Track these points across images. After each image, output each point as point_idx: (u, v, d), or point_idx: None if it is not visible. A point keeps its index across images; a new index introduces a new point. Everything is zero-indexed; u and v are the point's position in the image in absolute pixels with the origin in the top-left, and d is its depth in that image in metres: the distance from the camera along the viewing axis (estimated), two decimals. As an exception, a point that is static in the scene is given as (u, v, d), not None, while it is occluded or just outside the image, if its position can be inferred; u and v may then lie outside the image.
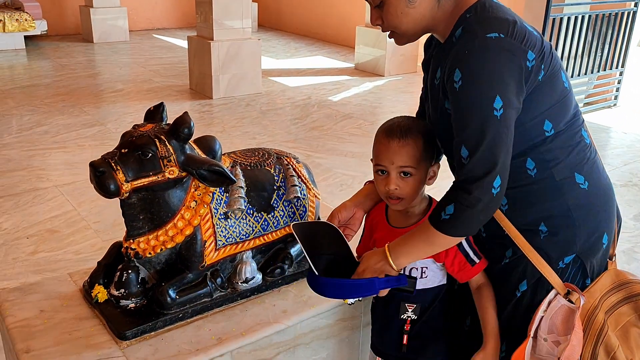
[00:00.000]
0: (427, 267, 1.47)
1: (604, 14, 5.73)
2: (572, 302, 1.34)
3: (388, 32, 1.40)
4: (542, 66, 1.26)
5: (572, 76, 5.77)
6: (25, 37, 8.68)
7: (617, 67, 6.19)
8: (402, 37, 1.38)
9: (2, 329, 1.61)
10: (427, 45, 1.52)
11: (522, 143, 1.30)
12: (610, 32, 5.87)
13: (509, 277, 1.41)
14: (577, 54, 5.71)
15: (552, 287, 1.36)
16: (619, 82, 6.30)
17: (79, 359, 1.41)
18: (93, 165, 1.41)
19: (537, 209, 1.34)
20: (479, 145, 1.20)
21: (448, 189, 1.29)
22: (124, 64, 7.96)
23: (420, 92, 1.61)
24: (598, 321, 1.37)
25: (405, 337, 1.51)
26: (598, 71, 6.03)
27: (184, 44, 7.72)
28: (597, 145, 1.45)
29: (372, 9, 1.36)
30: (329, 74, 7.70)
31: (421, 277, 1.47)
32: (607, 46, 5.95)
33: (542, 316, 1.34)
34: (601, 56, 5.97)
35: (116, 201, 1.48)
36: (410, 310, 1.49)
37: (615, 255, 1.47)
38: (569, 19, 5.42)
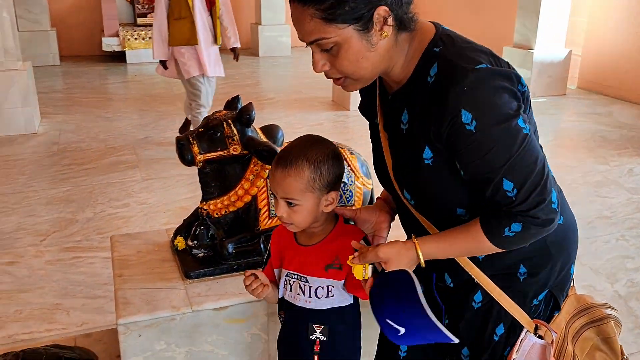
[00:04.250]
0: (333, 286, 1.43)
1: None
2: (541, 337, 1.33)
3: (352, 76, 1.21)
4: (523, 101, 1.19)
5: None
6: (203, 50, 9.92)
7: None
8: (356, 83, 1.24)
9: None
10: (364, 90, 1.39)
11: None
12: None
13: (485, 322, 1.37)
14: None
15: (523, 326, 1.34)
16: None
17: (153, 286, 1.83)
18: (177, 139, 1.84)
19: (517, 252, 1.26)
20: (527, 172, 1.13)
21: (494, 212, 1.18)
22: (280, 76, 8.76)
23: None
24: (569, 353, 1.38)
25: (315, 357, 1.47)
26: None
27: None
28: None
29: (317, 54, 1.18)
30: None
31: (327, 296, 1.44)
32: None
33: (515, 357, 1.34)
34: None
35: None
36: (318, 331, 1.45)
37: (573, 280, 1.47)
38: None
